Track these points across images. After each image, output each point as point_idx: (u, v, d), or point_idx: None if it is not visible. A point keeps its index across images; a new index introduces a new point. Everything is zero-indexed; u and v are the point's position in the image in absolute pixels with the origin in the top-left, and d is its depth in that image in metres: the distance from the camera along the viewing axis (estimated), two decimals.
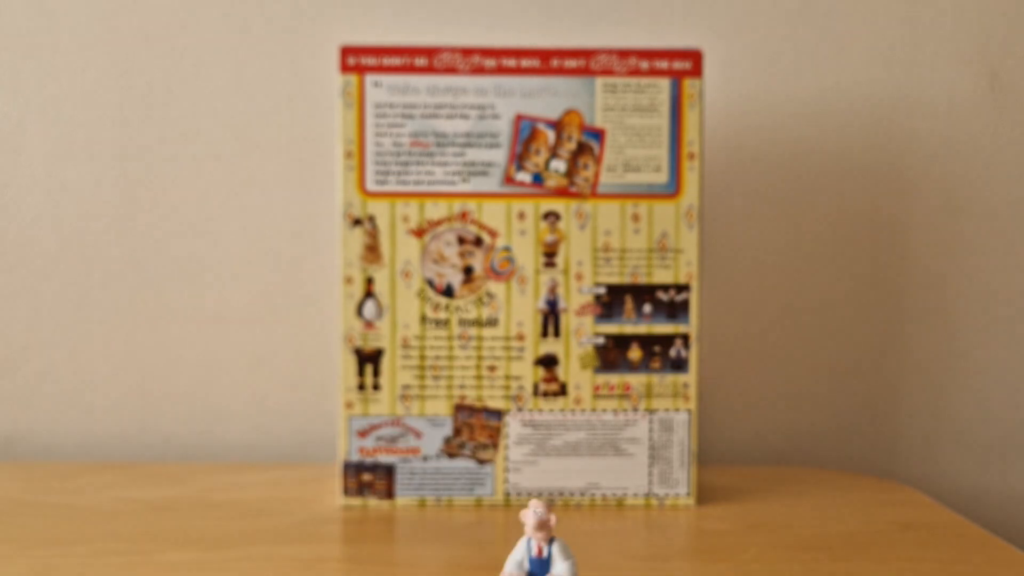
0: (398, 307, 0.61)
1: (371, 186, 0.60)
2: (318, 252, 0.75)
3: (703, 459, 0.72)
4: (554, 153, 0.60)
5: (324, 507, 0.60)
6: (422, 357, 0.61)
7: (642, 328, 0.61)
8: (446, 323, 0.61)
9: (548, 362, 0.61)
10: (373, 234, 0.60)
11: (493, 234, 0.60)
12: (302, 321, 0.76)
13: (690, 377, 0.62)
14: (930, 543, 0.55)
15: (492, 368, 0.61)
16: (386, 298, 0.61)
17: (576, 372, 0.61)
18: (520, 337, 0.61)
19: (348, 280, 0.61)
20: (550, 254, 0.61)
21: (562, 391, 0.61)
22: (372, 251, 0.60)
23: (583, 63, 0.60)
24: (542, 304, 0.61)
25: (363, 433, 0.61)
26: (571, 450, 0.61)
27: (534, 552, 0.41)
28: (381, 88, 0.60)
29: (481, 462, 0.61)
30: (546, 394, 0.61)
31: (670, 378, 0.62)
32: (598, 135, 0.60)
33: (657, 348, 0.61)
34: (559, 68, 0.60)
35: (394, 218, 0.60)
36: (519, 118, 0.60)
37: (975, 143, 0.77)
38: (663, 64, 0.60)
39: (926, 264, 0.77)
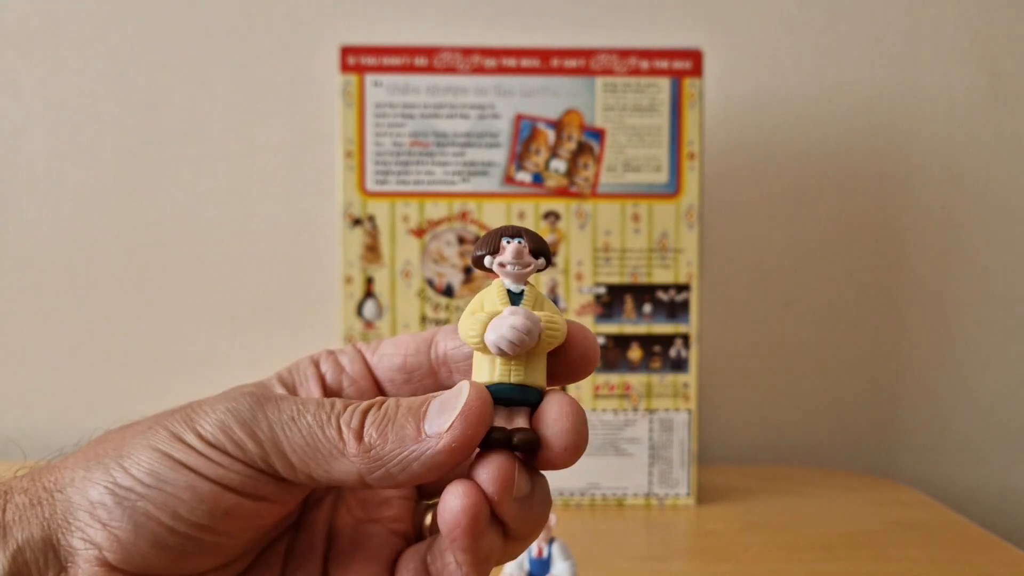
0: (398, 307, 0.61)
1: (371, 186, 0.60)
2: (318, 252, 0.75)
3: (703, 459, 0.72)
4: (554, 153, 0.60)
5: None
6: None
7: (642, 328, 0.61)
8: (446, 323, 0.61)
9: None
10: (373, 234, 0.60)
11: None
12: (302, 321, 0.76)
13: (690, 377, 0.62)
14: (930, 543, 0.55)
15: None
16: (386, 298, 0.61)
17: None
18: None
19: (348, 280, 0.61)
20: None
21: (562, 391, 0.61)
22: (372, 251, 0.60)
23: (583, 63, 0.60)
24: None
25: None
26: None
27: (534, 552, 0.41)
28: (381, 88, 0.60)
29: None
30: None
31: (670, 378, 0.62)
32: (598, 135, 0.60)
33: (657, 348, 0.61)
34: (559, 68, 0.60)
35: (394, 218, 0.60)
36: (519, 118, 0.60)
37: (975, 143, 0.77)
38: (663, 64, 0.60)
39: (926, 264, 0.77)
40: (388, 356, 0.28)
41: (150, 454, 0.23)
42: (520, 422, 0.24)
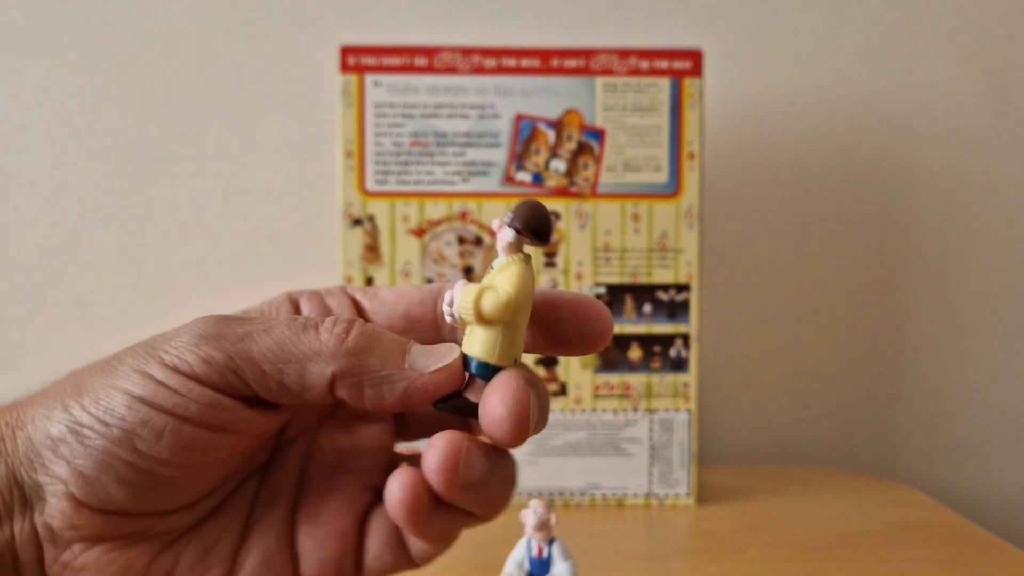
0: None
1: (371, 186, 0.60)
2: (318, 252, 0.75)
3: (703, 459, 0.71)
4: (554, 153, 0.60)
5: None
6: None
7: (642, 328, 0.61)
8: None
9: (548, 362, 0.61)
10: (373, 234, 0.60)
11: (493, 234, 0.60)
12: None
13: (690, 377, 0.62)
14: (930, 543, 0.55)
15: None
16: None
17: (576, 372, 0.61)
18: None
19: (348, 280, 0.61)
20: (550, 254, 0.61)
21: (562, 391, 0.61)
22: (372, 251, 0.60)
23: (583, 63, 0.60)
24: None
25: None
26: (571, 450, 0.61)
27: (534, 552, 0.41)
28: (381, 88, 0.60)
29: None
30: None
31: (670, 378, 0.62)
32: (598, 135, 0.60)
33: (657, 348, 0.61)
34: (559, 68, 0.60)
35: (394, 218, 0.60)
36: (519, 118, 0.60)
37: (975, 143, 0.77)
38: (663, 64, 0.60)
39: (926, 264, 0.77)
40: (390, 303, 0.27)
41: (107, 392, 0.23)
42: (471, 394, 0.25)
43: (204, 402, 0.23)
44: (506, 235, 0.25)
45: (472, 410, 0.24)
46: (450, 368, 0.24)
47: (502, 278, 0.24)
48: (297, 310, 0.28)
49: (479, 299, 0.24)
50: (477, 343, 0.24)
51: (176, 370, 0.23)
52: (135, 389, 0.23)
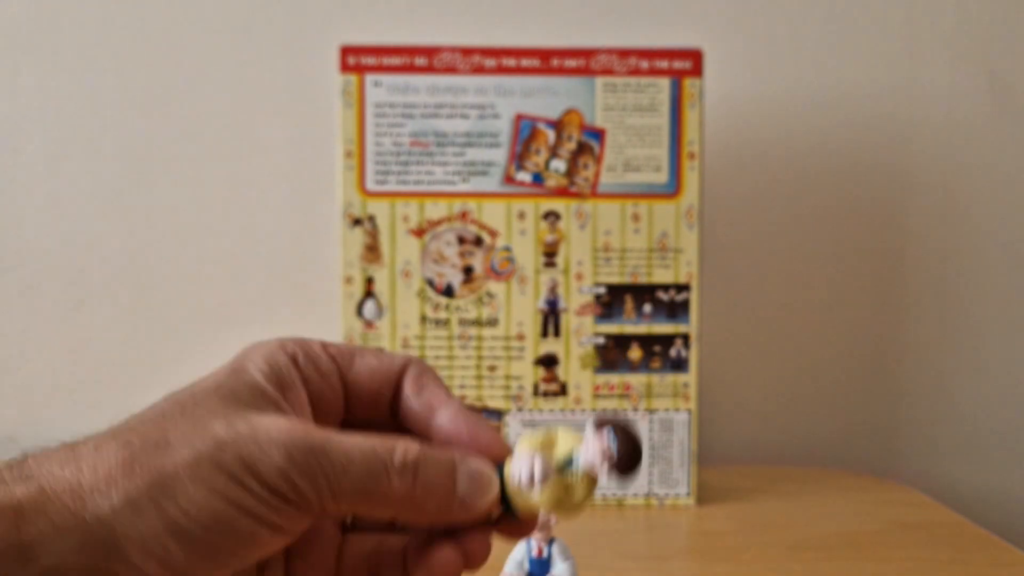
0: (398, 307, 0.61)
1: (371, 186, 0.60)
2: (318, 252, 0.75)
3: (703, 459, 0.71)
4: (554, 153, 0.60)
5: None
6: (422, 357, 0.61)
7: (642, 328, 0.61)
8: (446, 323, 0.61)
9: (548, 362, 0.61)
10: (373, 234, 0.60)
11: (493, 234, 0.60)
12: (302, 321, 0.76)
13: (690, 377, 0.62)
14: (930, 543, 0.55)
15: (492, 368, 0.61)
16: (386, 298, 0.61)
17: (576, 372, 0.61)
18: (520, 337, 0.61)
19: (348, 280, 0.61)
20: (550, 254, 0.61)
21: (562, 391, 0.61)
22: (372, 251, 0.60)
23: (583, 63, 0.60)
24: (542, 304, 0.61)
25: None
26: None
27: (534, 552, 0.41)
28: (381, 88, 0.60)
29: None
30: (546, 394, 0.61)
31: (670, 378, 0.62)
32: (598, 135, 0.60)
33: (657, 348, 0.61)
34: (559, 68, 0.60)
35: (394, 218, 0.60)
36: (519, 118, 0.60)
37: (975, 143, 0.77)
38: (663, 64, 0.60)
39: (926, 264, 0.77)
40: (363, 381, 0.31)
41: (207, 495, 0.23)
42: None
43: (289, 514, 0.24)
44: (596, 454, 0.28)
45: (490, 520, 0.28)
46: (493, 501, 0.27)
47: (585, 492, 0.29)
48: (301, 372, 0.29)
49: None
50: (520, 501, 0.27)
51: (273, 492, 0.23)
52: (240, 500, 0.23)
